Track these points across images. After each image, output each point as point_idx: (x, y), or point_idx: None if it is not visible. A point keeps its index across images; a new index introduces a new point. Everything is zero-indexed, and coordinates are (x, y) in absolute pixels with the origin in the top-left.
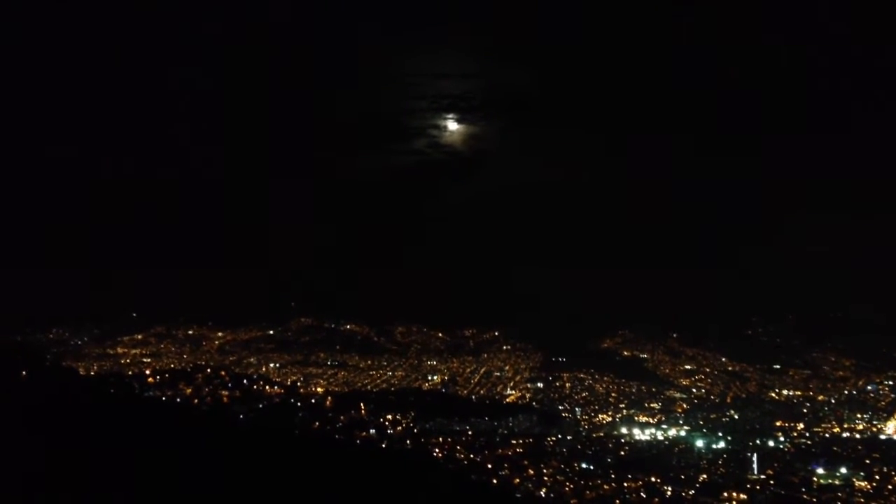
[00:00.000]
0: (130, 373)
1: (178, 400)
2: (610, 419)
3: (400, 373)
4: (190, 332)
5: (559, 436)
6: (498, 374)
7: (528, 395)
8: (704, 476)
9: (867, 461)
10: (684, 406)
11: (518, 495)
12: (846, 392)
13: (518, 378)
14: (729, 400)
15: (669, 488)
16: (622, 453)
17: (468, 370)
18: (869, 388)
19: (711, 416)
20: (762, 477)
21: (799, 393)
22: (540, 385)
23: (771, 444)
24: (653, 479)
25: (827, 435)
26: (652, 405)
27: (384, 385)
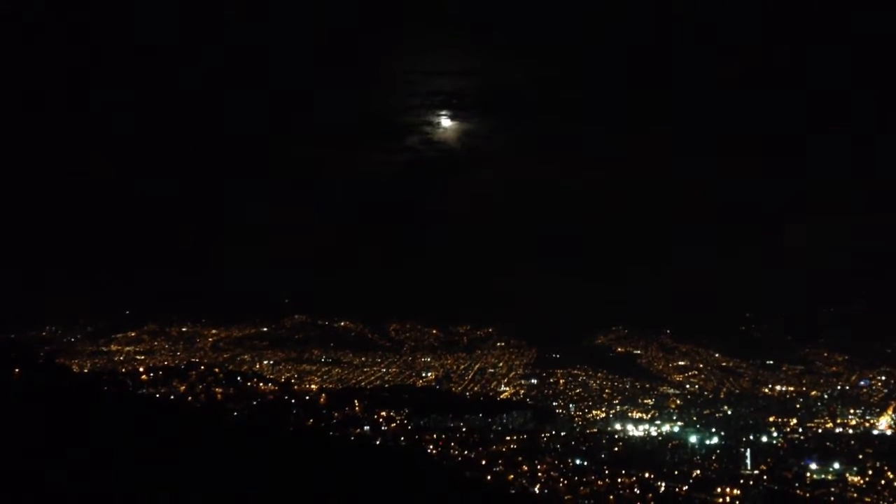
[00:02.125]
0: (124, 370)
1: (172, 397)
2: (604, 415)
3: (394, 369)
4: (183, 329)
5: (553, 432)
6: (492, 370)
7: (521, 392)
8: (698, 471)
9: (860, 456)
10: (678, 402)
11: (512, 491)
12: (839, 388)
13: (512, 375)
14: (722, 396)
15: (663, 484)
16: (616, 449)
17: (462, 367)
18: (861, 383)
19: (705, 412)
20: (755, 472)
21: (792, 389)
22: (534, 381)
23: (764, 439)
24: (647, 475)
25: (820, 430)
26: (645, 401)
27: (378, 382)
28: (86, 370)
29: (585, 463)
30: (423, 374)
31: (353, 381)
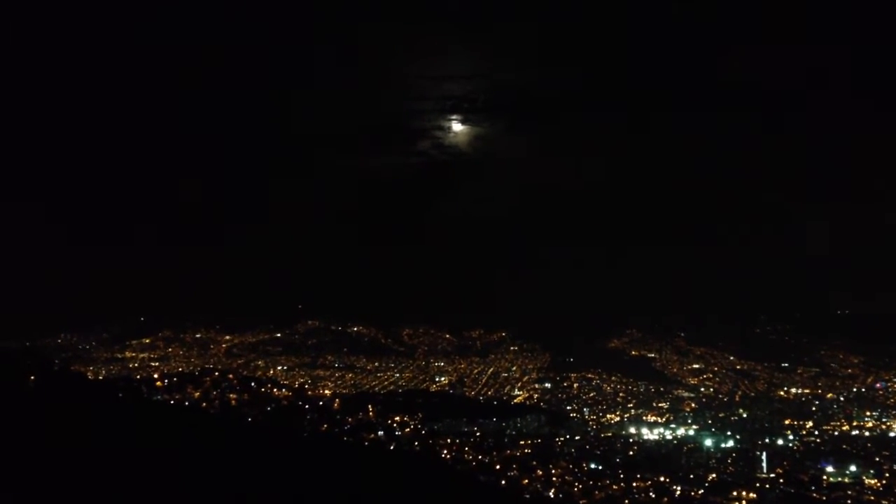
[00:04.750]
0: (139, 377)
1: (187, 403)
2: (618, 419)
3: (407, 374)
4: (198, 335)
5: (567, 436)
6: (505, 374)
7: (535, 396)
8: (714, 475)
9: (877, 459)
10: (693, 405)
11: (527, 496)
12: (855, 390)
13: (526, 379)
14: (737, 399)
15: (679, 488)
16: (631, 453)
17: (476, 371)
18: (878, 385)
19: (720, 415)
20: (771, 475)
21: (807, 391)
22: (548, 385)
23: (780, 442)
24: (662, 479)
25: (836, 433)
26: (660, 404)
27: (392, 387)
28: (101, 377)
29: (600, 467)
30: (437, 379)
31: (367, 386)
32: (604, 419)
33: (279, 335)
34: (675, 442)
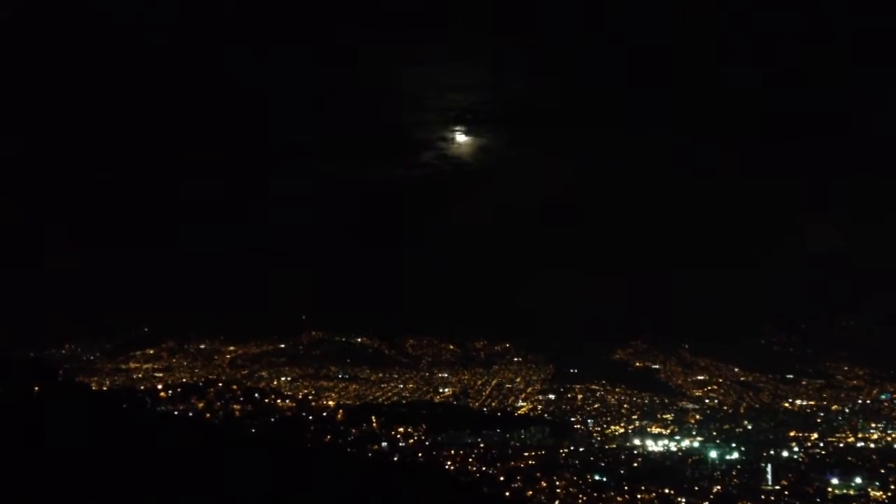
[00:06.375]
0: (143, 387)
1: (191, 414)
2: (622, 430)
3: (411, 385)
4: (202, 346)
5: (571, 447)
6: (509, 385)
7: (539, 407)
8: (718, 487)
9: (882, 471)
10: (697, 417)
11: None
12: (860, 401)
13: (530, 390)
14: (742, 410)
15: (683, 500)
16: (635, 465)
17: (479, 382)
18: (883, 397)
19: (724, 427)
20: (776, 488)
21: (812, 403)
22: (552, 397)
23: (785, 454)
24: (666, 491)
25: (841, 445)
26: (664, 416)
27: (395, 398)
28: (105, 387)
29: (604, 479)
30: (441, 390)
31: (371, 397)
32: (608, 430)
33: (283, 346)
34: (680, 454)
